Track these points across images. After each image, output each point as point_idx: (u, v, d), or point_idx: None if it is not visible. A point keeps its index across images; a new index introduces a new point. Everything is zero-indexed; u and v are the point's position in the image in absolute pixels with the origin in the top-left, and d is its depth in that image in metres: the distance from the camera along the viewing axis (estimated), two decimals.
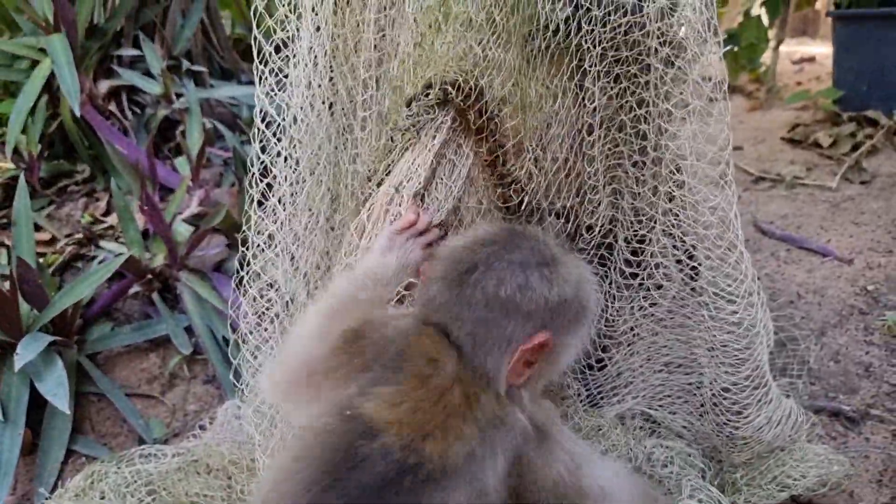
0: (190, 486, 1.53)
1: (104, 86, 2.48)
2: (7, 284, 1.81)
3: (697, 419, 1.54)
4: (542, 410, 0.99)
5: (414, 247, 1.17)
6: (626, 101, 1.36)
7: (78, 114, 2.17)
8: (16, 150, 2.41)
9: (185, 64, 2.59)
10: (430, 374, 0.90)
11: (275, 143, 1.30)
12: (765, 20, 3.58)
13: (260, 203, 1.40)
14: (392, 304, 1.15)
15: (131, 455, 1.68)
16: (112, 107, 2.50)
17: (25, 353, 1.61)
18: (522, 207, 1.34)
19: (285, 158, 1.31)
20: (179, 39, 2.65)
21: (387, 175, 1.23)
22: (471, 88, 1.19)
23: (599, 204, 1.43)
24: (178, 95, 2.54)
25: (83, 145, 2.49)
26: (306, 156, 1.29)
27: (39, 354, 1.69)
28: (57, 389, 1.61)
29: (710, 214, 1.36)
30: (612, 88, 1.36)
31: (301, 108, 1.29)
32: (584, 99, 1.35)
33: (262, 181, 1.34)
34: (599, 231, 1.46)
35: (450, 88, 1.18)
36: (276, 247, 1.33)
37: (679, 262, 1.48)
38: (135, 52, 2.52)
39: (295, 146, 1.29)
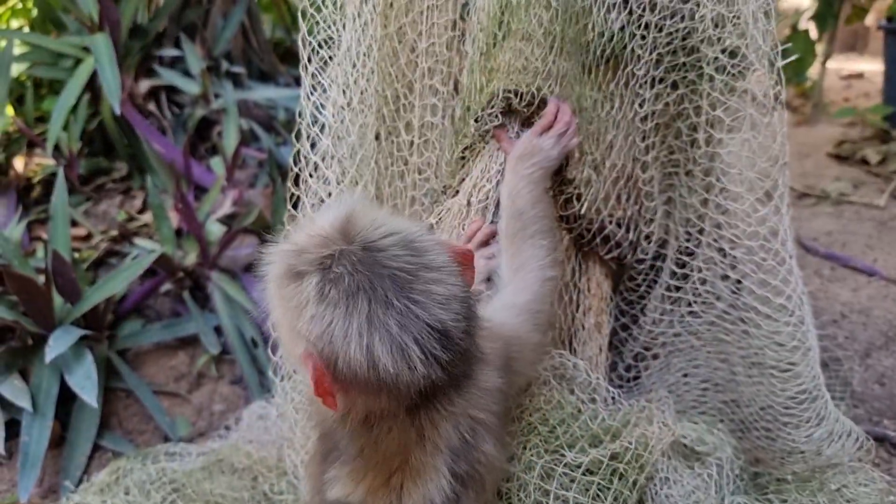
0: (214, 485, 1.52)
1: (144, 85, 2.50)
2: (41, 278, 1.83)
3: (735, 436, 1.49)
4: None
5: (479, 257, 1.16)
6: (684, 109, 1.33)
7: (118, 112, 2.18)
8: (56, 147, 2.44)
9: (225, 65, 2.60)
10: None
11: (316, 137, 1.29)
12: (813, 34, 3.49)
13: (295, 206, 1.39)
14: None
15: (156, 453, 1.68)
16: (151, 106, 2.53)
17: (56, 345, 1.62)
18: (582, 215, 1.31)
19: (323, 158, 1.29)
20: (220, 41, 2.67)
21: (460, 188, 1.25)
22: (532, 96, 1.20)
23: (656, 212, 1.41)
24: (217, 96, 2.56)
25: (122, 143, 2.52)
26: (346, 153, 1.28)
27: (70, 348, 1.69)
28: (85, 383, 1.62)
29: (759, 225, 1.33)
30: (668, 95, 1.33)
31: (341, 106, 1.28)
32: (638, 105, 1.32)
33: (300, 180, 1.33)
34: (655, 241, 1.43)
35: (512, 97, 1.20)
36: None
37: (725, 277, 1.45)
38: (175, 53, 2.54)
39: (335, 144, 1.28)
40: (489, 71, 1.22)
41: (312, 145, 1.34)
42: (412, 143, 1.42)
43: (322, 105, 1.35)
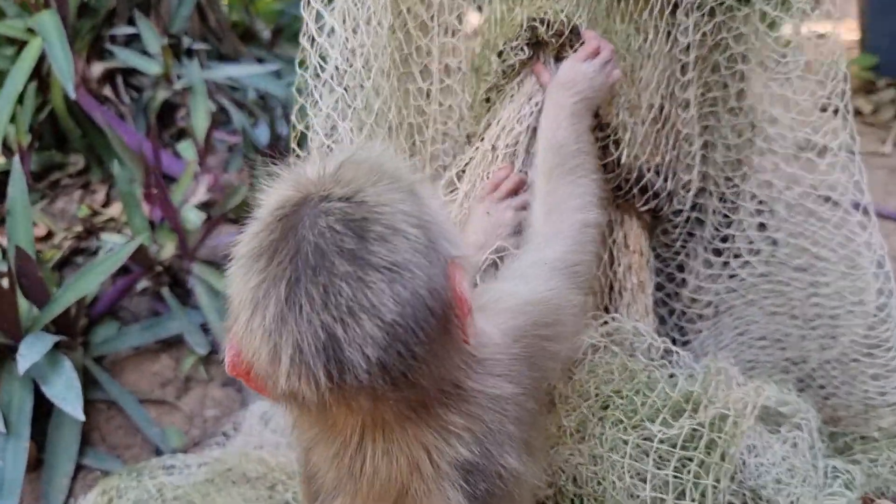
0: (226, 498, 1.33)
1: (98, 68, 2.27)
2: (4, 281, 1.62)
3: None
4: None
5: (506, 207, 1.02)
6: (722, 39, 1.20)
7: (73, 97, 1.96)
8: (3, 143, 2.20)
9: (187, 42, 2.39)
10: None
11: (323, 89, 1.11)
12: None
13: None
14: (482, 269, 0.98)
15: (151, 467, 1.49)
16: (107, 90, 2.30)
17: (29, 354, 1.41)
18: (620, 164, 1.17)
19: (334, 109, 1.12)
20: (176, 18, 2.45)
21: (485, 135, 1.11)
22: (562, 24, 1.06)
23: (695, 157, 1.27)
24: (178, 77, 2.34)
25: (77, 134, 2.29)
26: (361, 104, 1.11)
27: (44, 356, 1.48)
28: (67, 394, 1.41)
29: (823, 159, 1.21)
30: (705, 24, 1.20)
31: (351, 50, 1.11)
32: (675, 35, 1.18)
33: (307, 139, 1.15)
34: (694, 190, 1.29)
35: (539, 26, 1.05)
36: None
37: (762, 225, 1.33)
38: (130, 31, 2.32)
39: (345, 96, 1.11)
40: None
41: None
42: (429, 91, 1.26)
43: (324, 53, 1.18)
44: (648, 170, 1.25)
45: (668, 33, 1.19)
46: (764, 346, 1.39)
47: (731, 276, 1.35)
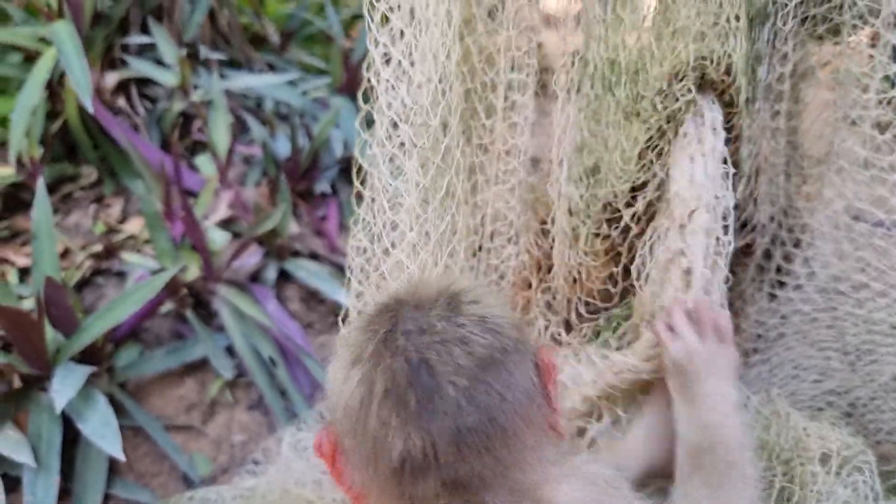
0: None
1: (112, 78, 2.20)
2: (25, 305, 1.56)
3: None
4: None
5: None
6: (808, 67, 1.17)
7: (91, 110, 1.90)
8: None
9: (203, 51, 2.32)
10: None
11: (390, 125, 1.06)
12: None
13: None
14: None
15: (187, 501, 1.44)
16: (121, 101, 2.23)
17: (63, 389, 1.36)
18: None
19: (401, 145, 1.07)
20: (190, 25, 2.38)
21: (651, 200, 1.03)
22: (729, 60, 0.99)
23: (778, 186, 1.25)
24: (194, 87, 2.27)
25: (89, 145, 2.22)
26: (427, 143, 1.06)
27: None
28: (104, 431, 1.36)
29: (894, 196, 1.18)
30: (797, 51, 1.16)
31: (418, 85, 1.06)
32: (778, 63, 1.15)
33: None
34: (775, 221, 1.27)
35: (708, 64, 0.98)
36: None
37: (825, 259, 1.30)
38: (144, 40, 2.25)
39: (415, 133, 1.06)
40: (671, 34, 0.98)
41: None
42: (492, 129, 1.21)
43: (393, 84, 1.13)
44: (747, 202, 1.22)
45: (770, 62, 1.16)
46: (812, 380, 1.37)
47: (792, 310, 1.33)
